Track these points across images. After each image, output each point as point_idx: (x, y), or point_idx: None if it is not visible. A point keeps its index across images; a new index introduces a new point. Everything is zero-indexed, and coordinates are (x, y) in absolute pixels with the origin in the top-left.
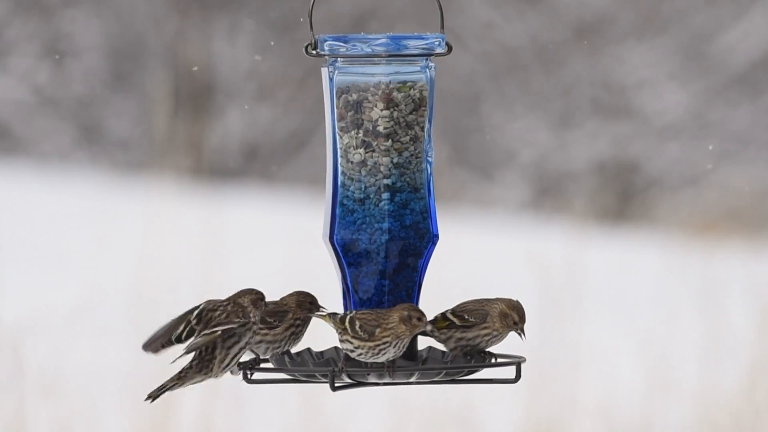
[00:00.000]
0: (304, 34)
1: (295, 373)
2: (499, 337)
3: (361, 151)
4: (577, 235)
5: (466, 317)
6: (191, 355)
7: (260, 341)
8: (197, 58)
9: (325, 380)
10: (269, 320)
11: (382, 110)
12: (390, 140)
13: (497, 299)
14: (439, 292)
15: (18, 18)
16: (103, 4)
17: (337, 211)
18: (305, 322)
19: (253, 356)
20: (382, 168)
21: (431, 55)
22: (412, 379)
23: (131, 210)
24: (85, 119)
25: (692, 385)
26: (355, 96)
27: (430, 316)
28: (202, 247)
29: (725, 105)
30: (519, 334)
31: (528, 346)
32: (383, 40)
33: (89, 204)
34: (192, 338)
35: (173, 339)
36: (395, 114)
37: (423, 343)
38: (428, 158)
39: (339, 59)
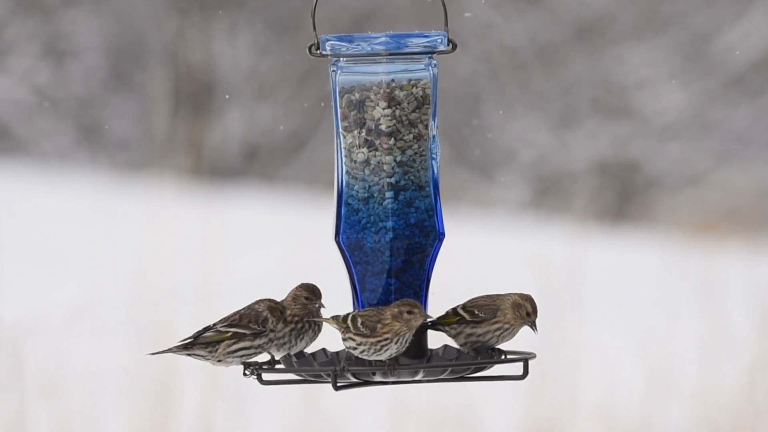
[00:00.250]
0: (304, 34)
1: (303, 373)
2: (510, 331)
3: (365, 150)
4: (577, 235)
5: (477, 312)
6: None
7: (267, 341)
8: (197, 58)
9: (329, 380)
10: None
11: (384, 109)
12: (393, 139)
13: (510, 293)
14: (439, 292)
15: (18, 18)
16: (103, 4)
17: (343, 211)
18: (307, 317)
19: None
20: (385, 167)
21: (435, 52)
22: (418, 377)
23: (131, 210)
24: (85, 119)
25: (692, 385)
26: (357, 95)
27: (439, 312)
28: (202, 247)
29: (725, 105)
30: (531, 327)
31: (528, 346)
32: (384, 39)
33: (89, 204)
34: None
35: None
36: (397, 112)
37: (439, 341)
38: (433, 156)
39: (342, 59)
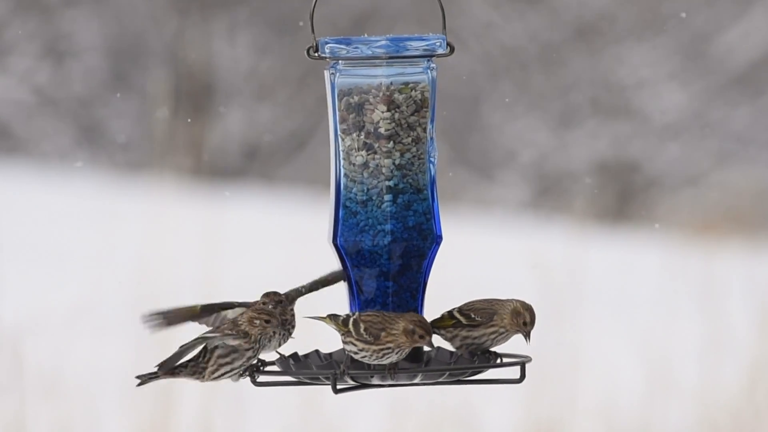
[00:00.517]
0: (304, 34)
1: (300, 376)
2: (505, 335)
3: (363, 153)
4: (577, 235)
5: (473, 316)
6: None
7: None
8: (197, 58)
9: (329, 383)
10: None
11: (383, 112)
12: (392, 142)
13: (512, 299)
14: (439, 292)
15: (18, 18)
16: (103, 4)
17: (340, 214)
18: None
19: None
20: (383, 170)
21: (433, 56)
22: (416, 380)
23: (131, 210)
24: (85, 119)
25: (692, 385)
26: (356, 98)
27: (434, 315)
28: (202, 247)
29: (725, 105)
30: (524, 337)
31: (527, 347)
32: (384, 42)
33: (89, 204)
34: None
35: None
36: (396, 115)
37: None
38: (431, 159)
39: (340, 61)
